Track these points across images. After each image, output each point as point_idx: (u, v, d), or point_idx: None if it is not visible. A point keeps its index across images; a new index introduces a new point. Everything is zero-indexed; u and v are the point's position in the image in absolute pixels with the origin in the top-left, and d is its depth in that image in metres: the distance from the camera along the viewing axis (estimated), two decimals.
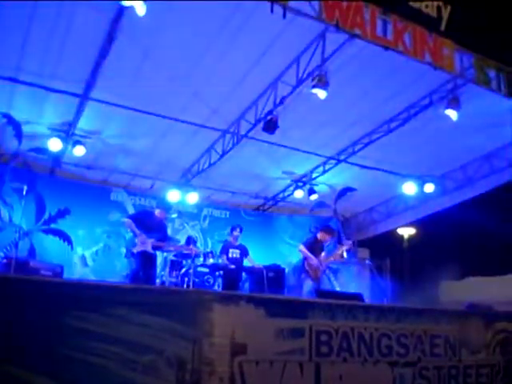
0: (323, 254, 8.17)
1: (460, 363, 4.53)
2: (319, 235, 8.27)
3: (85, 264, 9.77)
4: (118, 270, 9.65)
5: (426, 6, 6.31)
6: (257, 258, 9.28)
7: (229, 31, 6.05)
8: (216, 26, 5.97)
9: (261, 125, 7.63)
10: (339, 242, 11.12)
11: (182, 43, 6.27)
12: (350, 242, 8.67)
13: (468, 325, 4.73)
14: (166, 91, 7.21)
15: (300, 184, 10.87)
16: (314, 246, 8.13)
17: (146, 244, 7.40)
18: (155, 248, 7.63)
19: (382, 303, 8.02)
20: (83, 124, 8.28)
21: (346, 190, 10.74)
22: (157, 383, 3.03)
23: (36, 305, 2.87)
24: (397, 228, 12.25)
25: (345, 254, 10.75)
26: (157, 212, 7.99)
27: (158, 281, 8.76)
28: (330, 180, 10.67)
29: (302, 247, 8.06)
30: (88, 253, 9.87)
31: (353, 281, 11.18)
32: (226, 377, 3.24)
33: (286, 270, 10.46)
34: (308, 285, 7.90)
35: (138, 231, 7.36)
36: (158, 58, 6.47)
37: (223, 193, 11.38)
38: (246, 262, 8.93)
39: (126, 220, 7.73)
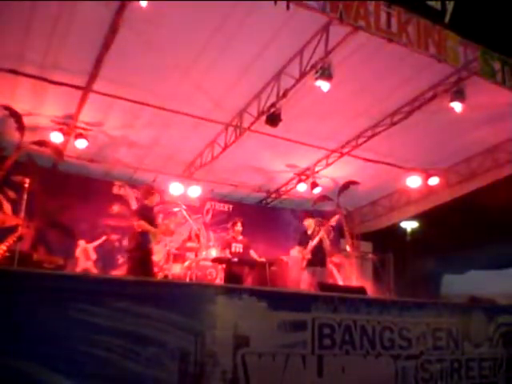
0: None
1: (462, 356, 4.54)
2: (304, 225, 8.42)
3: (87, 257, 9.79)
4: (120, 263, 9.69)
5: None
6: (260, 252, 9.27)
7: (232, 23, 6.02)
8: (219, 17, 5.94)
9: (264, 118, 7.61)
10: (342, 236, 11.14)
11: (185, 35, 6.24)
12: (334, 218, 8.70)
13: (470, 318, 4.73)
14: (168, 83, 7.20)
15: (303, 177, 10.85)
16: (305, 238, 8.25)
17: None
18: None
19: (384, 297, 8.03)
20: (85, 116, 8.26)
21: (349, 184, 10.71)
22: (160, 375, 3.04)
23: (39, 298, 2.87)
24: (400, 221, 12.21)
25: (347, 248, 10.75)
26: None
27: (161, 274, 8.79)
28: (333, 173, 10.65)
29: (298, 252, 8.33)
30: (91, 246, 9.89)
31: (355, 274, 11.18)
32: (228, 369, 3.25)
33: (289, 264, 10.47)
34: (304, 277, 7.97)
35: (151, 228, 7.25)
36: (161, 50, 6.45)
37: (226, 186, 11.37)
38: (249, 256, 8.93)
39: (137, 224, 7.09)
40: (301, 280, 8.12)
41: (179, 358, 3.11)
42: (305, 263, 7.97)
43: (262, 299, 3.50)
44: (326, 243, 8.08)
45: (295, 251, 8.77)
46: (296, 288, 8.19)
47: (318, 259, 7.99)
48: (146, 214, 7.20)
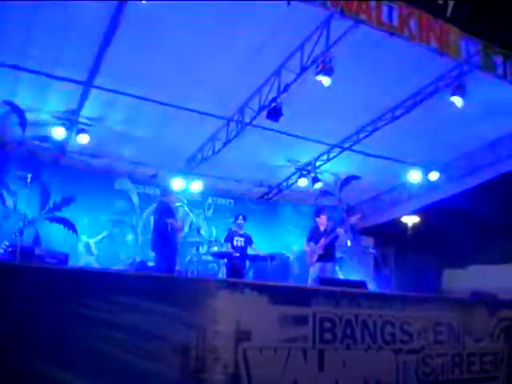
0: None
1: (463, 351, 4.54)
2: (317, 221, 8.38)
3: (89, 252, 9.81)
4: (122, 258, 9.71)
5: None
6: (261, 247, 9.28)
7: (232, 18, 6.01)
8: (220, 12, 5.91)
9: (265, 112, 7.60)
10: (346, 231, 11.13)
11: (186, 30, 6.22)
12: (355, 217, 8.69)
13: (472, 313, 4.74)
14: (169, 78, 7.19)
15: (304, 172, 10.84)
16: (316, 234, 8.23)
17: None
18: None
19: (385, 291, 8.05)
20: (87, 111, 8.27)
21: (351, 179, 10.72)
22: (161, 369, 3.05)
23: (41, 292, 2.88)
24: (401, 216, 12.19)
25: (349, 243, 10.76)
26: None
27: None
28: (335, 168, 10.64)
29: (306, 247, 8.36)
30: (93, 241, 9.90)
31: (357, 269, 11.20)
32: (230, 364, 3.26)
33: (290, 259, 10.49)
34: (311, 273, 7.99)
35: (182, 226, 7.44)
36: (162, 45, 6.44)
37: (227, 181, 11.36)
38: (251, 250, 8.95)
39: (170, 221, 7.26)
40: (308, 275, 8.14)
41: (180, 352, 3.12)
42: (315, 258, 7.98)
43: (264, 293, 3.51)
44: (338, 241, 8.15)
45: (299, 246, 8.75)
46: (300, 283, 8.21)
47: (329, 255, 8.03)
48: (169, 211, 7.33)
